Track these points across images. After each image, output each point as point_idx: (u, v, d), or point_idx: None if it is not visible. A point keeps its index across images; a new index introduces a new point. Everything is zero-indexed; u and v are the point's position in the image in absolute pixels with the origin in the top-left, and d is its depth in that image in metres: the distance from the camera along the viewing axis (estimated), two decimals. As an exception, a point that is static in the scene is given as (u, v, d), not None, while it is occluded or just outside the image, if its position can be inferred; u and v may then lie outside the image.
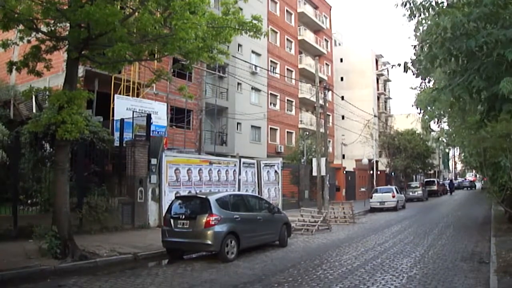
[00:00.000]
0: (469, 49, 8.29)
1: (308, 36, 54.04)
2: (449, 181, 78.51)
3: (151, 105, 26.30)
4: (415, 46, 10.67)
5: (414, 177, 69.23)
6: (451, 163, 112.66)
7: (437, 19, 9.02)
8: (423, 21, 12.06)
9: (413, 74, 11.77)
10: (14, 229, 14.59)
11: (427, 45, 9.48)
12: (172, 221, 13.73)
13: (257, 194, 24.26)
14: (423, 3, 9.93)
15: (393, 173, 61.93)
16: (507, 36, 7.58)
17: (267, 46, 45.19)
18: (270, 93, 45.27)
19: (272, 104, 46.14)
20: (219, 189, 23.21)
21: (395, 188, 38.32)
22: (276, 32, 47.84)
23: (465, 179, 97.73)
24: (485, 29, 8.29)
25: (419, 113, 31.39)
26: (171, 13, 12.01)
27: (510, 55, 7.49)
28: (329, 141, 50.91)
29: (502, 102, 8.29)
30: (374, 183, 50.46)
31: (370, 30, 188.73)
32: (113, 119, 23.70)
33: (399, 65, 9.75)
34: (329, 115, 49.76)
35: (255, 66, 41.14)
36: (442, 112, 25.12)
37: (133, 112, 23.02)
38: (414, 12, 11.13)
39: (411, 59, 9.81)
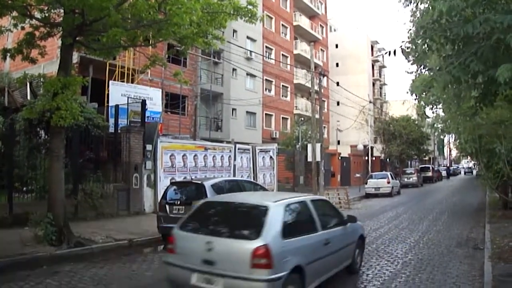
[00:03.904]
0: (466, 34, 8.25)
1: (304, 21, 53.81)
2: (445, 167, 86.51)
3: (146, 91, 26.23)
4: (409, 30, 10.59)
5: (409, 163, 69.51)
6: (446, 149, 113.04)
7: (433, 2, 8.95)
8: (420, 4, 12.00)
9: (408, 61, 11.67)
10: (9, 217, 14.56)
11: (423, 29, 9.41)
12: (167, 207, 13.74)
13: (252, 180, 24.26)
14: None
15: (388, 159, 62.15)
16: (505, 23, 7.54)
17: (262, 31, 44.95)
18: (265, 79, 45.17)
19: (267, 90, 46.06)
20: (214, 174, 23.17)
21: (390, 174, 38.51)
22: (271, 18, 47.58)
23: (468, 166, 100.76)
24: (483, 13, 8.23)
25: (415, 99, 31.35)
26: (165, -2, 11.90)
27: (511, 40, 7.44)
28: (324, 127, 50.96)
29: (498, 85, 8.26)
30: (369, 169, 50.77)
31: (365, 16, 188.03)
32: (108, 105, 23.66)
33: (395, 51, 9.62)
34: (324, 101, 49.71)
35: (250, 51, 40.96)
36: (437, 98, 25.10)
37: (128, 98, 22.96)
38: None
39: (405, 42, 9.63)
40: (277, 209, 7.68)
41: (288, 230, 7.43)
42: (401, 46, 9.51)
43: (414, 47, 9.67)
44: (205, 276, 6.99)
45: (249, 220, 7.81)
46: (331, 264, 8.73)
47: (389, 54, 9.45)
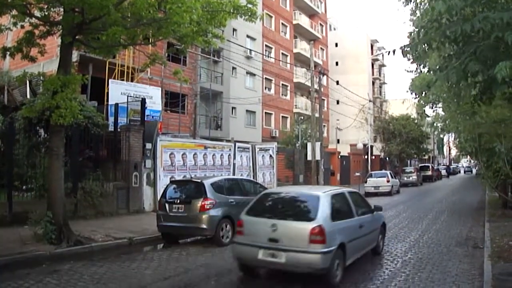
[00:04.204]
0: (465, 33, 8.23)
1: (303, 20, 53.74)
2: (445, 166, 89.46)
3: (146, 90, 26.19)
4: (411, 33, 10.56)
5: (408, 162, 69.57)
6: (445, 148, 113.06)
7: (432, 2, 8.93)
8: (420, 5, 11.99)
9: (408, 60, 11.65)
10: (9, 215, 14.56)
11: (423, 30, 9.39)
12: (167, 205, 13.75)
13: (252, 178, 24.24)
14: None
15: (387, 158, 62.14)
16: (504, 19, 7.51)
17: (262, 30, 44.92)
18: (265, 78, 45.08)
19: (267, 89, 46.00)
20: (214, 173, 23.13)
21: (390, 173, 38.45)
22: (271, 16, 47.52)
23: (470, 165, 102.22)
24: (482, 12, 8.21)
25: (414, 98, 31.36)
26: (165, -3, 11.88)
27: (510, 37, 7.41)
28: (324, 126, 50.91)
29: (498, 84, 8.25)
30: (369, 167, 50.72)
31: (365, 15, 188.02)
32: (107, 104, 23.62)
33: (394, 51, 9.66)
34: (324, 99, 49.66)
35: (250, 50, 40.89)
36: (437, 97, 25.11)
37: (127, 96, 22.93)
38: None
39: (407, 44, 9.65)
40: (326, 198, 9.40)
41: (335, 215, 9.15)
42: (401, 47, 9.52)
43: (415, 50, 9.66)
44: (270, 251, 8.65)
45: (305, 206, 9.63)
46: (363, 244, 10.49)
47: (389, 54, 9.51)
